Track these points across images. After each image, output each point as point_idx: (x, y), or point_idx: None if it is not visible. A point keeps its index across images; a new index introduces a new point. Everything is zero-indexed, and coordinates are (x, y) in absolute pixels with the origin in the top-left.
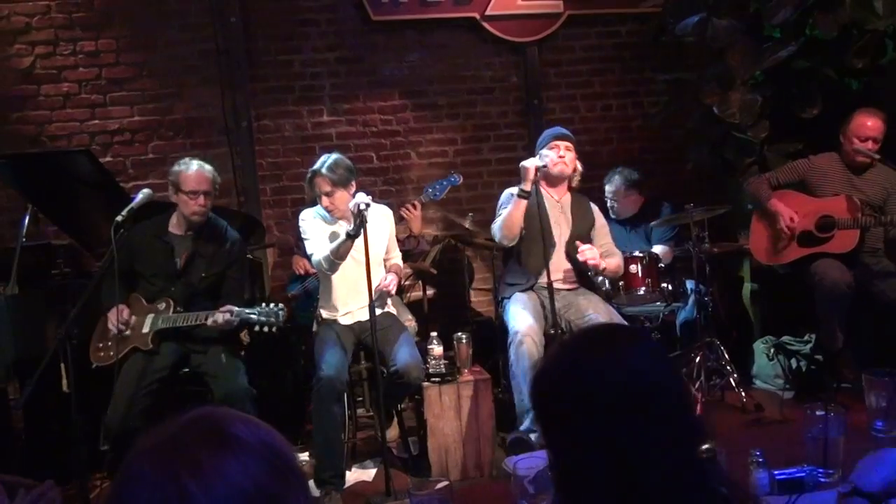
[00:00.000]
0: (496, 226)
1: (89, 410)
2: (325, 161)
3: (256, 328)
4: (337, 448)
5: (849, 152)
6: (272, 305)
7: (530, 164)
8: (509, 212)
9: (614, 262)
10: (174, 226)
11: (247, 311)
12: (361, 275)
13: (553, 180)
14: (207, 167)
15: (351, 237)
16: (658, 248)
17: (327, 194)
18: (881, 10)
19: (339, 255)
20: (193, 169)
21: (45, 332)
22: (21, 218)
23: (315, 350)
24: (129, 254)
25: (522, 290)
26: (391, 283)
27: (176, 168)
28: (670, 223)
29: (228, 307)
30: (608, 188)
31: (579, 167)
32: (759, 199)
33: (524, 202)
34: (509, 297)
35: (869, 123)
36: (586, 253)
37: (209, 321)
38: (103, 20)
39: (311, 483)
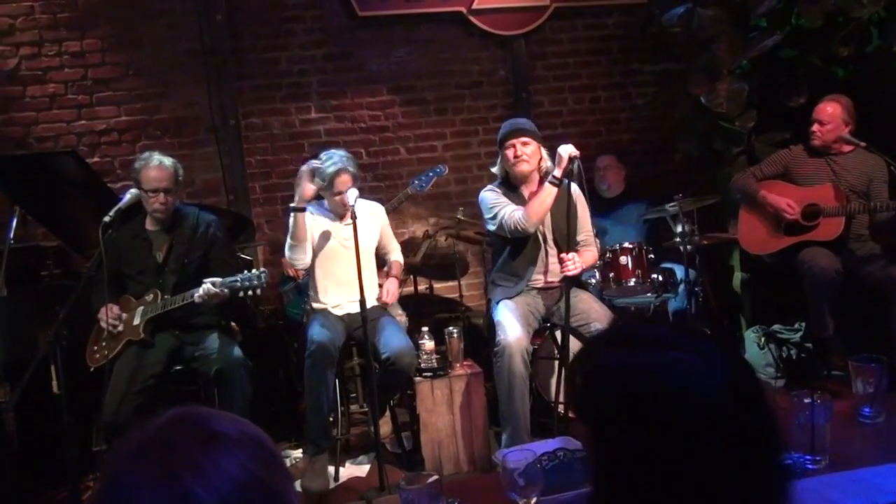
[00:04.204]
0: (521, 215)
1: (81, 412)
2: (342, 157)
3: (241, 294)
4: (326, 411)
5: (809, 136)
6: (253, 271)
7: (565, 151)
8: (542, 199)
9: (590, 257)
10: (150, 223)
11: (229, 279)
12: (352, 270)
13: (520, 179)
14: (168, 162)
15: (295, 210)
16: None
17: (340, 193)
18: None
19: (295, 237)
20: (153, 165)
21: (34, 333)
22: (8, 220)
23: (306, 329)
24: (115, 256)
25: (510, 297)
26: (390, 294)
27: (136, 165)
28: (660, 213)
29: (210, 280)
30: (598, 161)
31: (545, 156)
32: (749, 193)
33: (556, 190)
34: (498, 301)
35: (829, 109)
36: (569, 266)
37: (195, 297)
38: (88, 20)
39: (303, 479)
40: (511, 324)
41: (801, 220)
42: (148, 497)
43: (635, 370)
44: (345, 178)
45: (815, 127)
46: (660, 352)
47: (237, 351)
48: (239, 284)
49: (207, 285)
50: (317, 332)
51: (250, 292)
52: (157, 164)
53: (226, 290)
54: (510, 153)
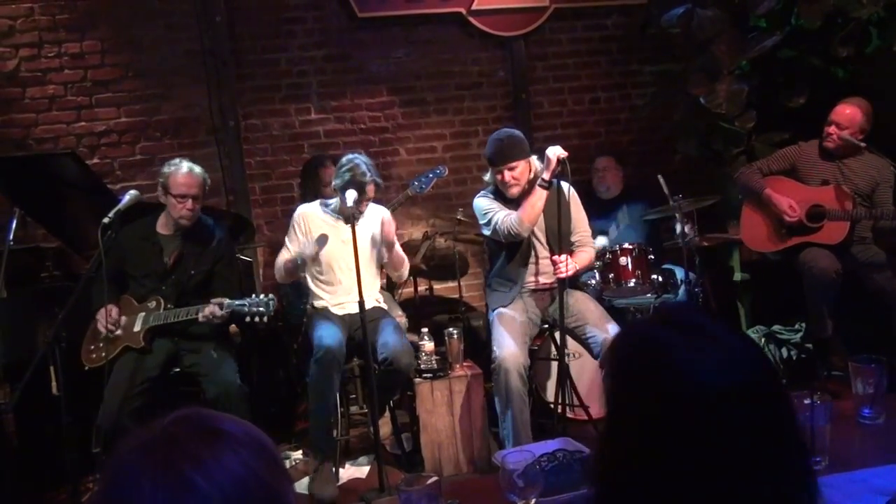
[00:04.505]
0: (514, 220)
1: (80, 413)
2: (369, 165)
3: (247, 319)
4: (333, 418)
5: (823, 137)
6: (262, 296)
7: (553, 153)
8: (532, 203)
9: (584, 258)
10: (162, 226)
11: (236, 302)
12: (351, 272)
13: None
14: (197, 170)
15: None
16: (600, 241)
17: (371, 200)
18: None
19: (287, 272)
20: (183, 172)
21: (34, 335)
22: (8, 221)
23: (310, 331)
24: (118, 255)
25: (507, 304)
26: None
27: (166, 170)
28: (662, 213)
29: (218, 300)
30: (595, 163)
31: (535, 165)
32: (753, 189)
33: (546, 193)
34: (494, 311)
35: (847, 111)
36: (561, 268)
37: (199, 315)
38: (87, 21)
39: (305, 480)
40: (506, 340)
41: (806, 220)
42: (149, 486)
43: (663, 349)
44: (371, 188)
45: (832, 129)
46: (692, 338)
47: (235, 377)
48: (246, 310)
49: (213, 307)
50: (324, 335)
51: (256, 318)
52: (188, 171)
53: (228, 312)
54: (499, 178)
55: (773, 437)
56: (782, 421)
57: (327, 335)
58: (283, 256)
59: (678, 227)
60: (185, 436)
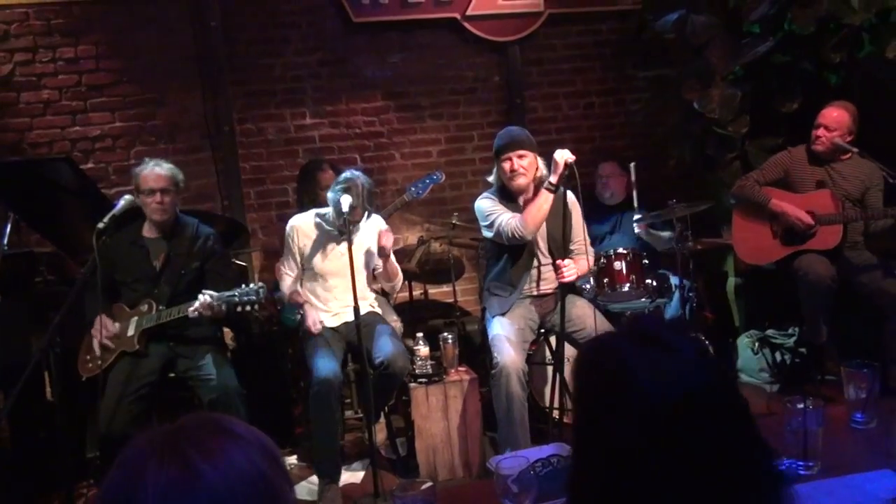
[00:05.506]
0: (518, 222)
1: (75, 419)
2: (364, 186)
3: (238, 308)
4: (335, 444)
5: (812, 141)
6: (251, 285)
7: (560, 157)
8: (539, 206)
9: (583, 265)
10: (147, 230)
11: (226, 293)
12: (347, 279)
13: (517, 191)
14: (165, 165)
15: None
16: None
17: (356, 222)
18: (857, 4)
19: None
20: (148, 168)
21: (28, 340)
22: (2, 226)
23: (306, 355)
24: (109, 263)
25: (506, 311)
26: (388, 240)
27: (135, 171)
28: (656, 218)
29: (208, 292)
30: (599, 169)
31: (541, 166)
32: (756, 201)
33: (552, 196)
34: (493, 317)
35: (835, 114)
36: (566, 273)
37: (190, 311)
38: (82, 26)
39: (304, 483)
40: (505, 346)
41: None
42: (154, 468)
43: (618, 361)
44: (357, 212)
45: (821, 132)
46: (647, 349)
47: (232, 379)
48: (237, 299)
49: (205, 297)
50: (319, 365)
51: (248, 307)
52: (153, 166)
53: (223, 306)
54: (507, 166)
55: (732, 445)
56: (738, 429)
57: (322, 365)
58: (286, 282)
59: (665, 234)
60: (195, 428)
